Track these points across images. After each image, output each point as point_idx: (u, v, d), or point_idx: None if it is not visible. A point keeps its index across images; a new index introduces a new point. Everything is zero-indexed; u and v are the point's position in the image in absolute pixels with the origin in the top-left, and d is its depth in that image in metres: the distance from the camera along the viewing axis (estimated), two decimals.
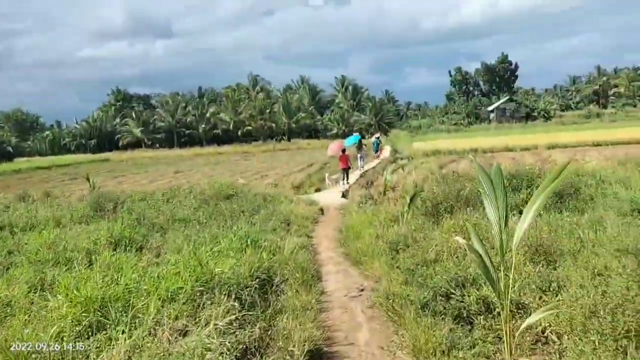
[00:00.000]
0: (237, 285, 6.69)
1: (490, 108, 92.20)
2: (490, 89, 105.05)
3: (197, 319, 5.70)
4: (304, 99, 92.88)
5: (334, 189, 22.11)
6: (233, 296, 6.33)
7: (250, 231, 10.22)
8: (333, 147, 33.84)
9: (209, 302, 6.06)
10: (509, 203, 10.43)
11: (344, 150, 26.41)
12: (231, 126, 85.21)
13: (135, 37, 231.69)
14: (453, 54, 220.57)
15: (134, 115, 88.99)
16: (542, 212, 9.61)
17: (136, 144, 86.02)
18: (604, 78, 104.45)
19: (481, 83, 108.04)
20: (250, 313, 6.19)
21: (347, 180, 24.76)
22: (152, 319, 5.69)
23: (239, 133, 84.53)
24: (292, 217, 14.32)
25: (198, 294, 6.28)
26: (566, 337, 5.06)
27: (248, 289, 6.79)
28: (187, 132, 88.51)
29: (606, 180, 12.18)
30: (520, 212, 10.45)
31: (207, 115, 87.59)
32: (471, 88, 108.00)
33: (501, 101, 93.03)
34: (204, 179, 29.45)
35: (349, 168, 25.55)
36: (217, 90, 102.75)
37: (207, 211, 14.67)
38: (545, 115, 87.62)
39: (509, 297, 5.04)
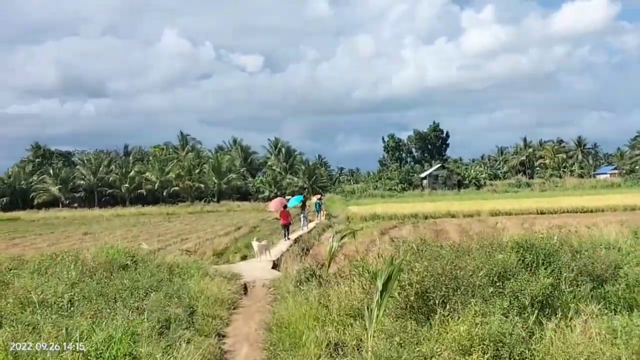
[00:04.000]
0: None
1: (422, 175, 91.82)
2: (422, 156, 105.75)
3: None
4: (235, 160, 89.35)
5: (262, 257, 17.98)
6: None
7: (117, 336, 6.02)
8: (274, 203, 31.03)
9: None
10: (529, 292, 6.77)
11: (285, 207, 26.06)
12: (157, 186, 79.96)
13: (66, 95, 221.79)
14: (384, 122, 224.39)
15: (52, 172, 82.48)
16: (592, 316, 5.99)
17: (53, 203, 79.52)
18: (530, 149, 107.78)
19: (414, 150, 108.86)
20: None
21: (287, 236, 24.33)
22: None
23: (165, 193, 79.41)
24: (200, 300, 10.17)
25: None
26: None
27: None
28: (109, 191, 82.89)
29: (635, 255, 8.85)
30: (546, 307, 6.77)
31: (132, 174, 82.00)
32: (404, 155, 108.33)
33: (433, 168, 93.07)
34: (115, 242, 25.07)
35: (290, 224, 25.17)
36: (145, 149, 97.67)
37: (88, 288, 10.71)
38: (476, 183, 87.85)
39: None
